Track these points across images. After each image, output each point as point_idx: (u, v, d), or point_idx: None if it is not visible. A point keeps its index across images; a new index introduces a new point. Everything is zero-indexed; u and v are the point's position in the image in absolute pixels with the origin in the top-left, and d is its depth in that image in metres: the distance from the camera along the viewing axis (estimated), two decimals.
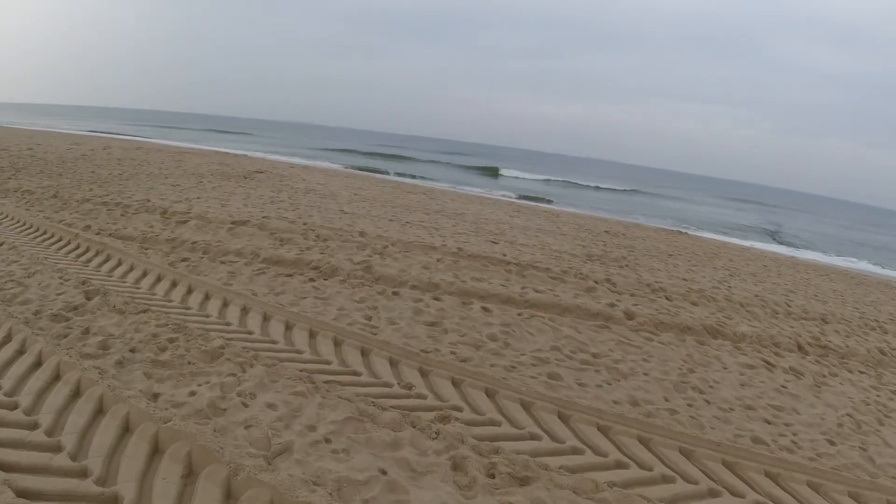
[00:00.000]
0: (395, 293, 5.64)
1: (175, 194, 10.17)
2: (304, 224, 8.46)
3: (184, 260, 6.13)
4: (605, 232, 12.65)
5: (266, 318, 4.60)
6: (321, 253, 6.85)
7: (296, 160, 26.99)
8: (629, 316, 5.99)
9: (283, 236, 7.47)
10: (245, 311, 4.73)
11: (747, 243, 18.34)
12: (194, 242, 6.81)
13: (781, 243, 20.63)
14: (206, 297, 4.98)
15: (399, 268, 6.49)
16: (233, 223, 8.07)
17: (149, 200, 9.17)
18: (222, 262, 6.18)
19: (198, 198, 10.04)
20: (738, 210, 39.43)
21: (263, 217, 8.69)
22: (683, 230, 18.41)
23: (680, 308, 6.68)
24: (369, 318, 4.85)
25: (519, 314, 5.51)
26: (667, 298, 7.06)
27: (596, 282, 7.27)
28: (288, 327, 4.47)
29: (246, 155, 24.19)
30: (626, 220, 18.38)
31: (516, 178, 35.17)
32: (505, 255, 7.93)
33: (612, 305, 6.22)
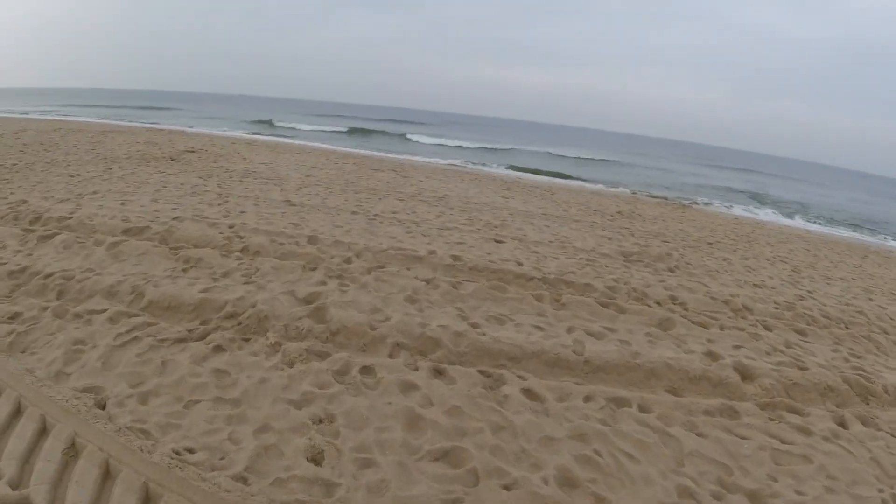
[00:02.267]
0: (365, 372, 3.20)
1: (66, 189, 7.38)
2: (231, 228, 5.89)
3: (11, 319, 3.53)
4: (618, 213, 10.40)
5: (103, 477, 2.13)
6: (246, 282, 4.34)
7: (238, 134, 23.79)
8: (744, 374, 3.75)
9: (191, 253, 4.89)
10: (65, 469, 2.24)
11: (764, 217, 16.56)
12: (48, 276, 4.20)
13: (787, 215, 18.88)
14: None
15: (370, 305, 4.04)
16: (124, 233, 5.48)
17: (25, 202, 6.40)
18: (75, 317, 3.61)
19: (94, 192, 7.29)
20: (718, 174, 37.96)
21: (174, 219, 6.08)
22: (686, 203, 16.40)
23: (794, 346, 4.48)
24: (318, 460, 2.41)
25: (587, 401, 3.15)
26: (764, 327, 4.87)
27: (659, 302, 5.02)
28: None
29: (183, 131, 20.91)
30: (620, 193, 16.22)
31: (429, 143, 31.27)
32: (521, 265, 5.56)
33: (711, 356, 3.95)
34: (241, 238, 5.57)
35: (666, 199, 16.89)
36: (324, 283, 4.40)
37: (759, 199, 23.93)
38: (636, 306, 4.77)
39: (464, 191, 10.56)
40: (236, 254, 5.05)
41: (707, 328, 4.64)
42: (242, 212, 6.80)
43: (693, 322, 4.72)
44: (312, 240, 5.67)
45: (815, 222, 17.90)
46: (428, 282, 4.69)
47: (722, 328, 4.72)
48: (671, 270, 6.45)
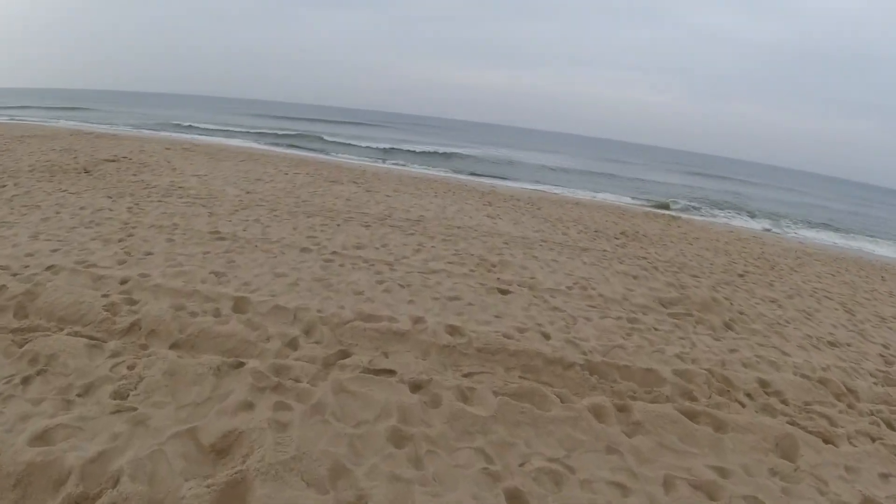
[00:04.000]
0: None
1: None
2: (123, 283, 4.03)
3: None
4: (622, 234, 8.89)
5: None
6: (116, 410, 2.49)
7: (178, 136, 21.35)
8: None
9: (44, 346, 2.98)
10: None
11: (755, 226, 15.53)
12: None
13: (777, 225, 17.97)
14: None
15: (330, 465, 2.26)
16: None
17: None
18: None
19: None
20: (680, 178, 37.43)
21: (47, 268, 4.21)
22: (670, 213, 15.18)
23: None
24: None
25: None
26: (888, 425, 3.39)
27: (751, 395, 3.52)
28: None
29: (115, 135, 18.35)
30: (604, 202, 14.85)
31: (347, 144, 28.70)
32: (549, 337, 3.89)
33: None
34: (133, 305, 3.70)
35: (651, 208, 15.65)
36: (249, 408, 2.59)
37: (734, 206, 23.41)
38: (732, 415, 3.17)
39: (441, 209, 8.82)
40: (115, 342, 3.17)
41: (835, 444, 3.10)
42: (148, 253, 4.88)
43: (810, 432, 3.17)
44: (241, 305, 3.83)
45: (801, 230, 17.08)
46: (420, 389, 2.94)
47: (850, 439, 3.19)
48: (728, 326, 4.92)
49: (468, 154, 31.16)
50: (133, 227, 5.73)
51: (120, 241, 5.22)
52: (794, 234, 15.88)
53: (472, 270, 5.27)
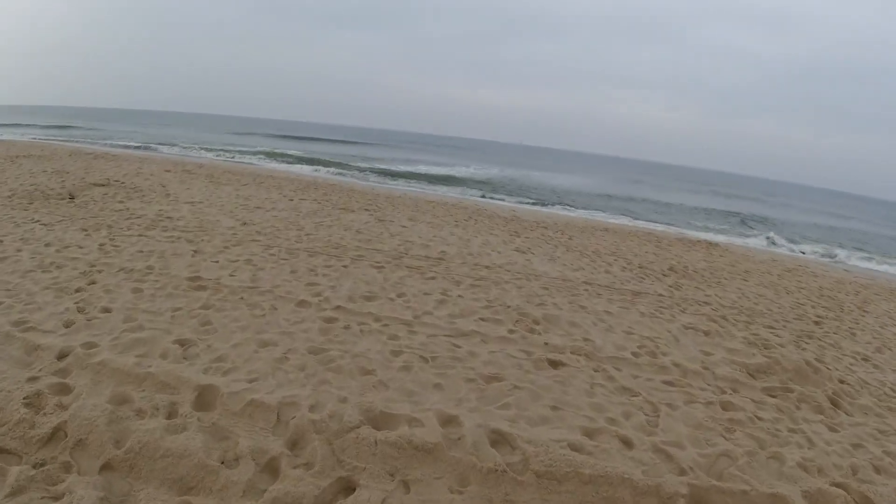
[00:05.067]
0: None
1: None
2: (61, 360, 3.04)
3: None
4: (670, 270, 7.77)
5: None
6: None
7: (185, 156, 20.63)
8: None
9: None
10: None
11: (797, 253, 14.32)
12: None
13: (818, 251, 16.70)
14: None
15: None
16: None
17: None
18: None
19: None
20: (702, 198, 36.10)
21: None
22: (707, 240, 14.03)
23: None
24: None
25: None
26: None
27: None
28: None
29: (116, 155, 17.60)
30: (635, 228, 13.72)
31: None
32: (630, 445, 2.81)
33: None
34: (65, 395, 2.70)
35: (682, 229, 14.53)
36: None
37: (759, 225, 22.49)
38: None
39: (464, 242, 7.76)
40: (30, 458, 2.18)
41: None
42: (106, 310, 3.89)
43: None
44: (206, 398, 2.79)
45: (840, 254, 15.82)
46: None
47: None
48: (835, 403, 3.84)
49: (486, 175, 30.31)
50: (99, 272, 4.75)
51: (77, 290, 4.25)
52: (833, 260, 14.69)
53: (511, 331, 4.19)
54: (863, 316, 6.98)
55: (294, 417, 2.64)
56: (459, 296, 4.92)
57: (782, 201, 48.08)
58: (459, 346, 3.76)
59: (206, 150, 26.21)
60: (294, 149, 33.39)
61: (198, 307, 4.13)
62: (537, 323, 4.44)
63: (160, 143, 27.70)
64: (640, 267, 7.63)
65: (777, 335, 5.35)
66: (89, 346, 3.25)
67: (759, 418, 3.40)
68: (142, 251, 5.56)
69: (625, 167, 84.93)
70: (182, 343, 3.45)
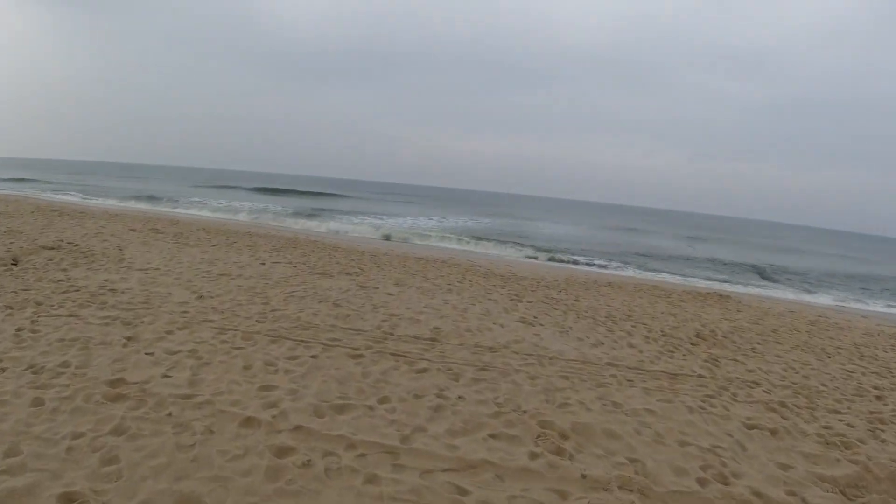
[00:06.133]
0: None
1: None
2: None
3: None
4: (697, 337, 6.74)
5: None
6: None
7: (157, 209, 19.57)
8: None
9: None
10: None
11: (809, 300, 13.42)
12: None
13: (836, 298, 15.83)
14: None
15: None
16: None
17: None
18: None
19: None
20: (701, 247, 35.51)
21: None
22: (717, 293, 13.12)
23: None
24: None
25: None
26: None
27: None
28: None
29: (84, 211, 16.55)
30: (630, 278, 12.78)
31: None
32: None
33: None
34: None
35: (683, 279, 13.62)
36: None
37: (766, 275, 21.75)
38: None
39: (460, 312, 6.67)
40: None
41: None
42: None
43: None
44: None
45: (852, 299, 14.98)
46: None
47: None
48: None
49: (475, 225, 29.64)
50: (1, 371, 3.64)
51: None
52: (848, 306, 13.79)
53: (533, 455, 3.09)
54: None
55: None
56: (460, 397, 3.82)
57: (780, 244, 47.79)
58: (467, 493, 2.65)
59: (198, 204, 25.44)
60: (283, 204, 32.62)
61: (107, 431, 3.01)
62: (565, 437, 3.34)
63: (150, 197, 26.84)
64: (663, 335, 6.61)
65: (848, 423, 4.32)
66: None
67: None
68: (63, 339, 4.44)
69: (611, 212, 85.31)
70: (69, 500, 2.33)
